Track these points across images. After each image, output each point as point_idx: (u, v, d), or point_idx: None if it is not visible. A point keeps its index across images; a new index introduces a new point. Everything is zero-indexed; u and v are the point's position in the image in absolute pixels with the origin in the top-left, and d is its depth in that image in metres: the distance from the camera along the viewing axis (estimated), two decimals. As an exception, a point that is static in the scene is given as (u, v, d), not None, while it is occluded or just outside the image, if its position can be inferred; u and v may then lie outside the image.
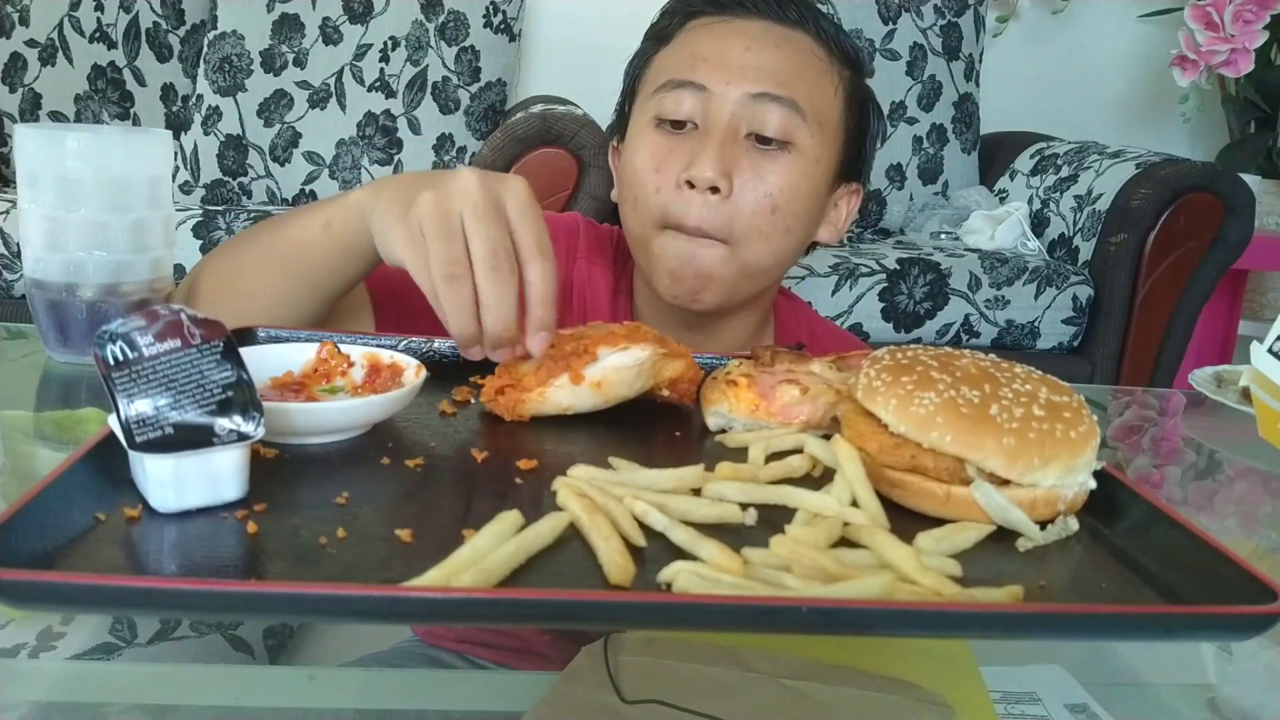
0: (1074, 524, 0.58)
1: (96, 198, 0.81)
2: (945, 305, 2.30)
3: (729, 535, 0.53)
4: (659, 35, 1.03)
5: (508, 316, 0.66)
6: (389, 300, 0.94)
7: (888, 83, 2.74)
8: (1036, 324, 2.36)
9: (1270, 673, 0.79)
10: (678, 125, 0.96)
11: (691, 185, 0.93)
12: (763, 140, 0.94)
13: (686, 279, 0.95)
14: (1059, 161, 2.63)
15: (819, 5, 1.03)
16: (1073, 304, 2.35)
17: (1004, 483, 0.57)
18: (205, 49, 2.51)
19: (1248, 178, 2.44)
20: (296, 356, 0.69)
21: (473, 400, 0.72)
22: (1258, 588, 0.49)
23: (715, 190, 0.92)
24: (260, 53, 2.50)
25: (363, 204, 0.78)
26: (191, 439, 0.52)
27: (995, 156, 2.90)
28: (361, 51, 2.53)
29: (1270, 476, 1.01)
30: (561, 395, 0.68)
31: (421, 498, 0.57)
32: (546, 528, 0.51)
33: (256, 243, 0.88)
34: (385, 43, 2.54)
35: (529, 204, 0.69)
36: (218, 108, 2.48)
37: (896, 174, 2.80)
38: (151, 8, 2.60)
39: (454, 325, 0.67)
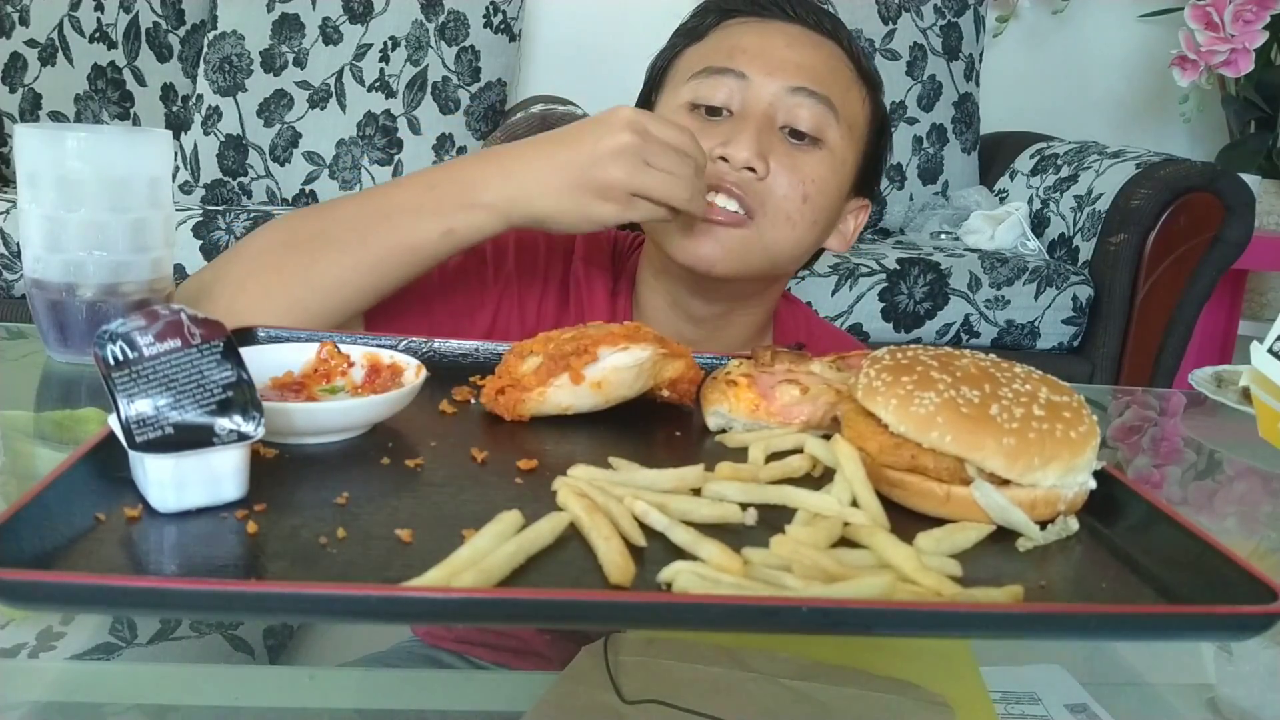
0: (1074, 524, 0.58)
1: (96, 198, 0.81)
2: (945, 305, 2.30)
3: (729, 535, 0.53)
4: (690, 32, 1.03)
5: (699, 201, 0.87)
6: None
7: (888, 83, 2.71)
8: (1036, 324, 2.35)
9: (1270, 673, 0.79)
10: (713, 111, 0.96)
11: (725, 161, 0.93)
12: (795, 135, 0.95)
13: (704, 248, 0.94)
14: (1059, 161, 2.63)
15: (820, 5, 1.04)
16: (1073, 304, 2.35)
17: (1004, 483, 0.57)
18: (205, 49, 2.51)
19: (1248, 178, 2.44)
20: (296, 356, 0.69)
21: (473, 400, 0.72)
22: (1258, 588, 0.49)
23: (751, 171, 0.92)
24: (260, 53, 2.49)
25: (496, 207, 0.85)
26: (191, 439, 0.52)
27: (995, 156, 2.90)
28: (361, 51, 2.53)
29: (1270, 476, 1.01)
30: (561, 395, 0.68)
31: (421, 498, 0.57)
32: (546, 528, 0.51)
33: (335, 243, 0.87)
34: (385, 43, 2.54)
35: (650, 130, 0.84)
36: (218, 108, 2.48)
37: (896, 174, 2.79)
38: (151, 8, 2.60)
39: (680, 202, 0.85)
